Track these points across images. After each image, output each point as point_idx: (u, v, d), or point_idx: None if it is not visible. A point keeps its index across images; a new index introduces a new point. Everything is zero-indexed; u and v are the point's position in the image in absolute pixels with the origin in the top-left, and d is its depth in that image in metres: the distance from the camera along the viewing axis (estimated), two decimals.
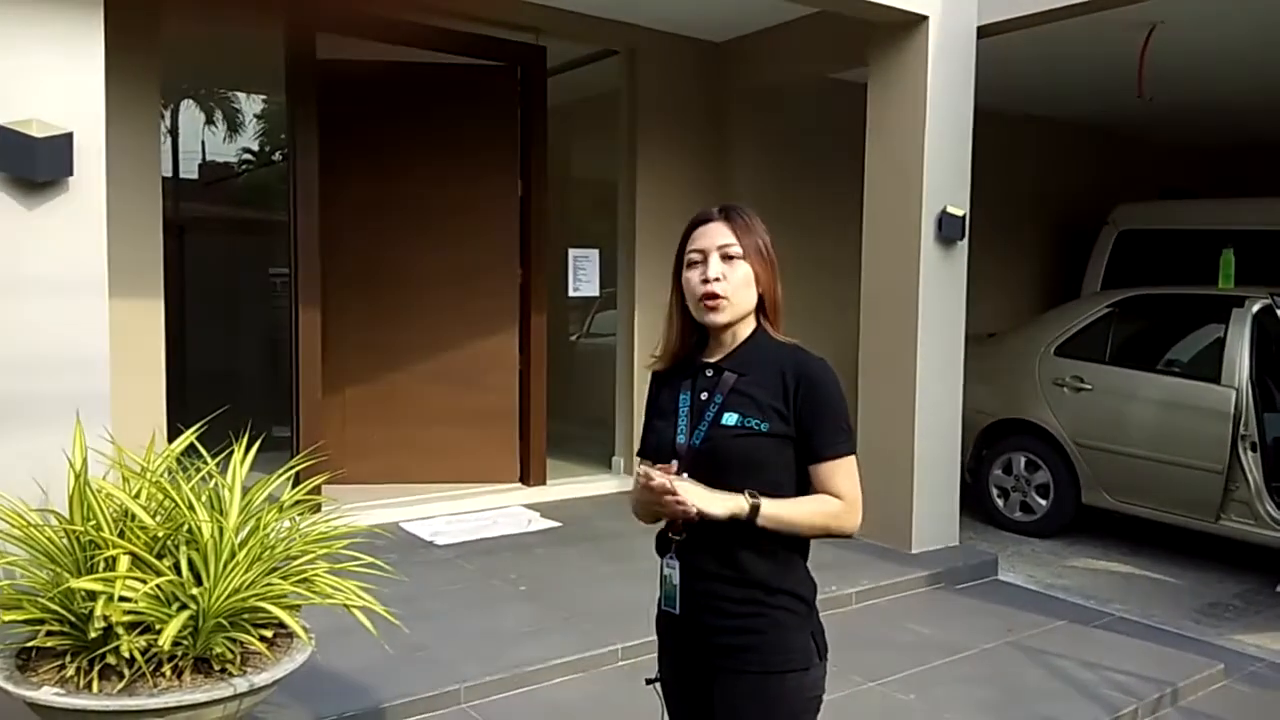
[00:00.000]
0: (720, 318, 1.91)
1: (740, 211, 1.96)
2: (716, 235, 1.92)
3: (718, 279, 1.89)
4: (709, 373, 1.95)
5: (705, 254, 1.92)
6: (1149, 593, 5.35)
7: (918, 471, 5.30)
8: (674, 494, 1.77)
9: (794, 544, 1.92)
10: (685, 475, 1.85)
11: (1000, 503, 6.51)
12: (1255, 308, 5.53)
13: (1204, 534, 5.62)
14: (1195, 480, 5.49)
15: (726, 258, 1.91)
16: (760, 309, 1.95)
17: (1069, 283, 8.36)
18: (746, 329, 1.95)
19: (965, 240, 5.42)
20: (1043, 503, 6.29)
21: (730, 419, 1.88)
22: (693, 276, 1.93)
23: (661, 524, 1.98)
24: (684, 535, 1.92)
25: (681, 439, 1.92)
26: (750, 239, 1.92)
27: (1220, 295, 5.90)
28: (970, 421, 5.90)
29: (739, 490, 1.83)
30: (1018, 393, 6.43)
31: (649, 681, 2.07)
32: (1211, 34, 5.76)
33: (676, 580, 1.94)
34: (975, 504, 6.46)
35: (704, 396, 1.93)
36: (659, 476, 1.78)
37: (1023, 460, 6.39)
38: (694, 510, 1.78)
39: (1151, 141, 9.32)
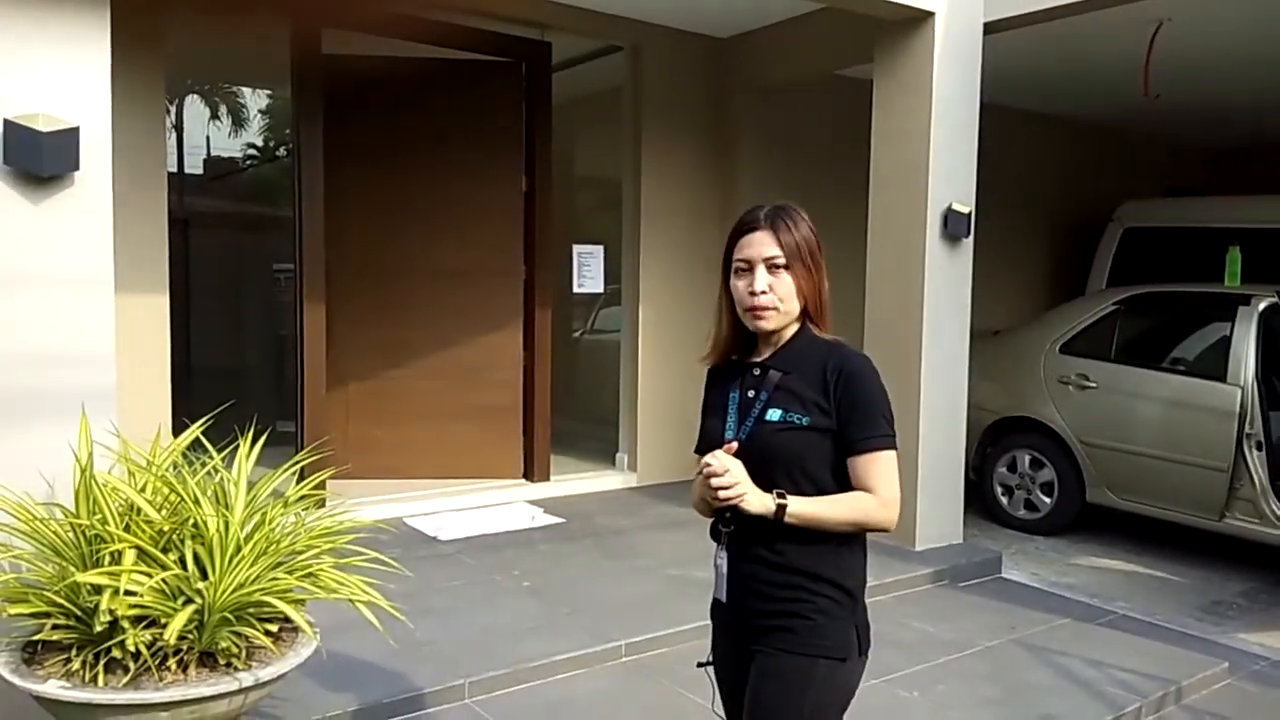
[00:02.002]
0: (768, 325, 1.98)
1: (786, 216, 1.98)
2: (762, 245, 1.96)
3: (765, 291, 1.95)
4: (755, 372, 2.01)
5: (751, 264, 1.96)
6: (1153, 591, 5.34)
7: (922, 469, 5.30)
8: (722, 477, 1.86)
9: (843, 536, 1.96)
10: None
11: (1004, 500, 6.50)
12: (1261, 306, 5.51)
13: (1208, 532, 5.60)
14: (1200, 478, 5.48)
15: (772, 268, 1.95)
16: (805, 310, 2.00)
17: (1074, 280, 8.35)
18: (791, 329, 2.01)
19: (970, 237, 5.42)
20: (1047, 500, 6.28)
21: (774, 414, 1.95)
22: (740, 286, 1.98)
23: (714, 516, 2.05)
24: (733, 528, 1.98)
25: (729, 434, 1.99)
26: (794, 247, 1.95)
27: (1226, 293, 5.88)
28: (975, 419, 5.90)
29: (785, 481, 1.91)
30: (1023, 390, 6.42)
31: (701, 664, 2.14)
32: (1218, 31, 5.75)
33: (725, 569, 2.01)
34: (979, 502, 6.45)
35: (750, 394, 2.00)
36: (714, 461, 1.88)
37: (1027, 458, 6.38)
38: (732, 494, 1.86)
39: (1157, 139, 9.30)
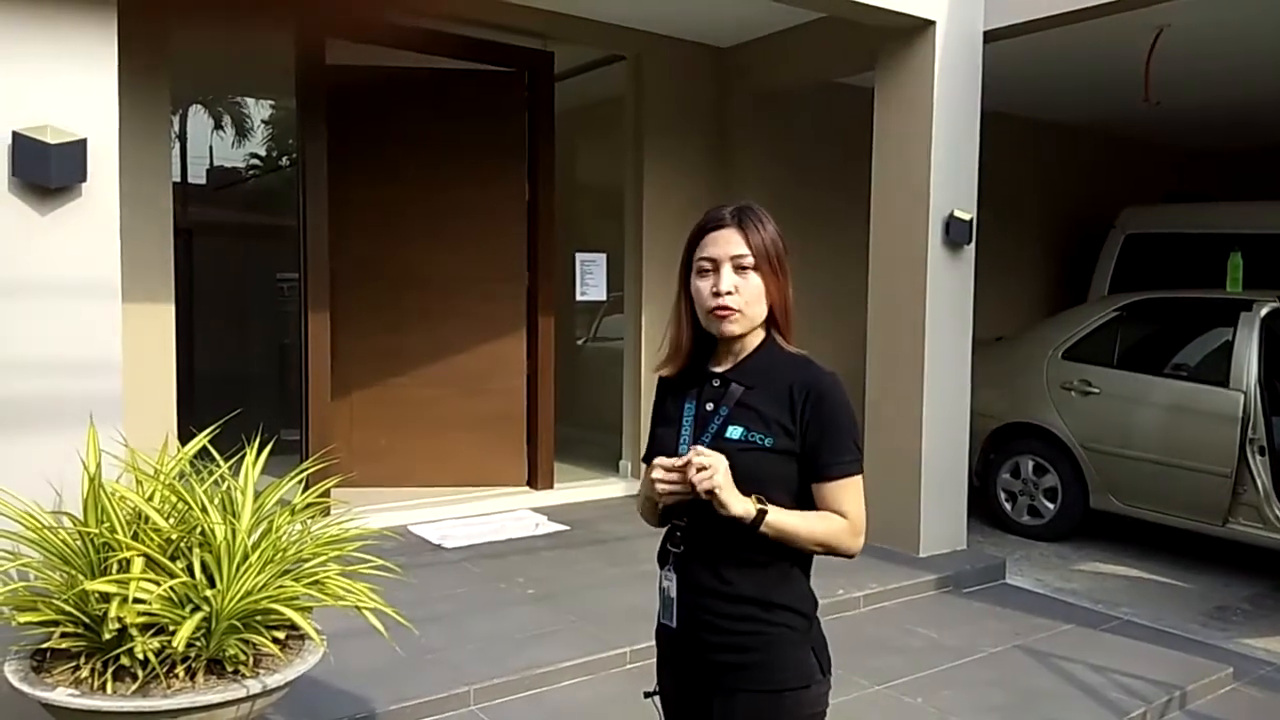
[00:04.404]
0: (733, 329, 1.85)
1: (753, 215, 1.86)
2: (729, 244, 1.84)
3: (730, 292, 1.82)
4: (715, 383, 1.89)
5: (717, 263, 1.84)
6: (1157, 596, 5.34)
7: (925, 475, 5.30)
8: (695, 460, 1.72)
9: (794, 558, 1.86)
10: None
11: (1008, 506, 6.50)
12: (1263, 311, 5.52)
13: (1212, 538, 5.61)
14: (1203, 484, 5.49)
15: (740, 268, 1.83)
16: (771, 319, 1.89)
17: (1076, 286, 8.36)
18: (756, 339, 1.89)
19: (972, 244, 5.43)
20: (1050, 506, 6.29)
21: (735, 432, 1.83)
22: (703, 286, 1.85)
23: (664, 530, 1.96)
24: (683, 548, 1.88)
25: (684, 448, 1.85)
26: (763, 247, 1.84)
27: (1228, 299, 5.90)
28: (978, 425, 5.91)
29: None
30: (1025, 396, 6.43)
31: (647, 695, 2.03)
32: (1218, 38, 5.77)
33: (674, 593, 1.89)
34: (983, 508, 6.45)
35: (709, 407, 1.88)
36: (675, 460, 1.76)
37: (1030, 464, 6.39)
38: (715, 483, 1.71)
39: (1158, 145, 9.32)
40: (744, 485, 1.77)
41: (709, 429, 1.85)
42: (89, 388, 3.14)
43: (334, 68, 5.63)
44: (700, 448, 1.77)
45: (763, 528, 1.76)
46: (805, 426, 1.82)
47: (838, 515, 1.82)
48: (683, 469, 1.75)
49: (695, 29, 6.46)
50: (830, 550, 1.84)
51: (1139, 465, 5.81)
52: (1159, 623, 4.76)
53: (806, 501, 1.85)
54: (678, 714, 1.99)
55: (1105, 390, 6.05)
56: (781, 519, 1.78)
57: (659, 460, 1.80)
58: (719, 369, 1.90)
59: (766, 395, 1.84)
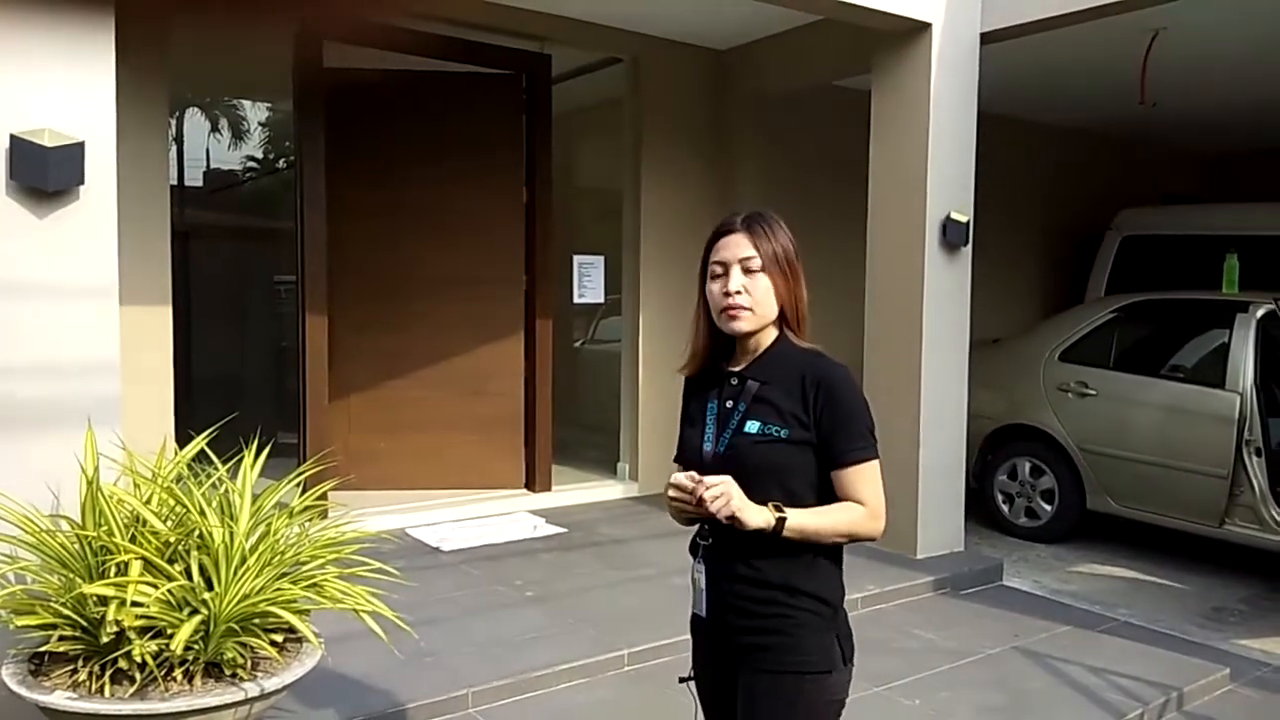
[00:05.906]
0: (742, 326, 1.95)
1: (762, 221, 1.98)
2: (737, 248, 1.95)
3: (739, 291, 1.93)
4: (733, 381, 1.99)
5: (727, 266, 1.95)
6: (1154, 597, 5.35)
7: (923, 477, 5.31)
8: (705, 494, 1.81)
9: (820, 550, 1.94)
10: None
11: (1005, 508, 6.51)
12: (1259, 313, 5.53)
13: (1209, 539, 5.62)
14: (1200, 485, 5.50)
15: (747, 270, 1.94)
16: (783, 318, 1.98)
17: (1073, 288, 8.37)
18: (769, 337, 1.99)
19: (969, 246, 5.44)
20: (1047, 508, 6.30)
21: (752, 426, 1.93)
22: (715, 288, 1.97)
23: (695, 528, 2.04)
24: (711, 540, 1.97)
25: (708, 446, 1.98)
26: (770, 251, 1.95)
27: (1224, 300, 5.91)
28: (975, 427, 5.91)
29: (762, 496, 1.87)
30: (1022, 398, 6.44)
31: (683, 680, 2.12)
32: (1214, 40, 5.78)
33: (704, 584, 1.99)
34: (980, 509, 6.46)
35: (729, 405, 1.98)
36: (686, 479, 1.86)
37: (1027, 465, 6.40)
38: (732, 508, 1.81)
39: (1155, 147, 9.33)
40: (764, 476, 1.89)
41: (729, 425, 1.96)
42: (87, 390, 3.14)
43: (331, 70, 5.63)
44: (706, 479, 1.84)
45: (785, 532, 1.86)
46: (819, 416, 1.92)
47: (856, 503, 1.91)
48: (698, 499, 1.83)
49: (693, 32, 6.46)
50: (853, 538, 1.93)
51: (1136, 467, 5.82)
52: (1156, 624, 4.77)
53: (827, 488, 1.93)
54: (712, 699, 2.08)
55: (1102, 392, 6.06)
56: (801, 520, 1.87)
57: (674, 478, 1.89)
58: (736, 368, 2.01)
59: (780, 389, 1.94)
